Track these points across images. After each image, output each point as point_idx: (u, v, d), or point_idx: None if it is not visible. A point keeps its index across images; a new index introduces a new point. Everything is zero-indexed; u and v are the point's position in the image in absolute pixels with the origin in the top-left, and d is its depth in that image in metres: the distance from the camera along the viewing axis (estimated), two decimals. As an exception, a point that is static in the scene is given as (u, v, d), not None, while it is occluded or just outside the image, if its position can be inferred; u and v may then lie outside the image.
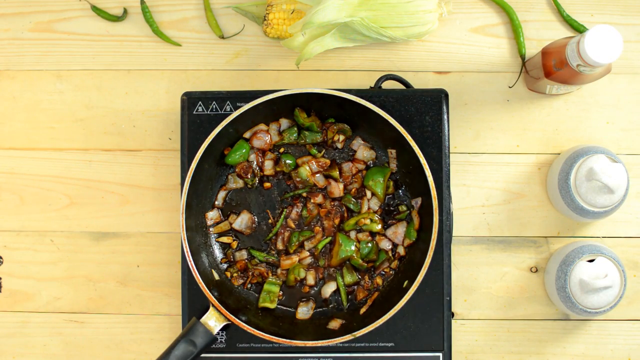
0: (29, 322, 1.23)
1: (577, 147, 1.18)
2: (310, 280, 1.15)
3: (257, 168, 1.16)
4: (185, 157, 1.13)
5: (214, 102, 1.14)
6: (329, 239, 1.15)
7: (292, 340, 1.08)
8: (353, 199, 1.16)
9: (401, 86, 1.18)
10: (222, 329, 1.13)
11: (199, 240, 1.14)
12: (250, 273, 1.16)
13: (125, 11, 1.25)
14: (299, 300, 1.16)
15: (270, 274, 1.15)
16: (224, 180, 1.17)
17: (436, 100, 1.14)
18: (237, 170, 1.16)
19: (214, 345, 1.14)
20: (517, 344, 1.22)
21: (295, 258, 1.15)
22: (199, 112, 1.14)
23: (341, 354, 1.14)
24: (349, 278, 1.15)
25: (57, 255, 1.24)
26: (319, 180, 1.15)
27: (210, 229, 1.16)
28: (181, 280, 1.14)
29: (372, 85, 1.18)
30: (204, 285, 1.09)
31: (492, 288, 1.22)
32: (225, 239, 1.16)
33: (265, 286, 1.15)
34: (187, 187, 1.09)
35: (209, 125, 1.12)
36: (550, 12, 1.24)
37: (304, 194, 1.16)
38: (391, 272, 1.16)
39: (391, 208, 1.16)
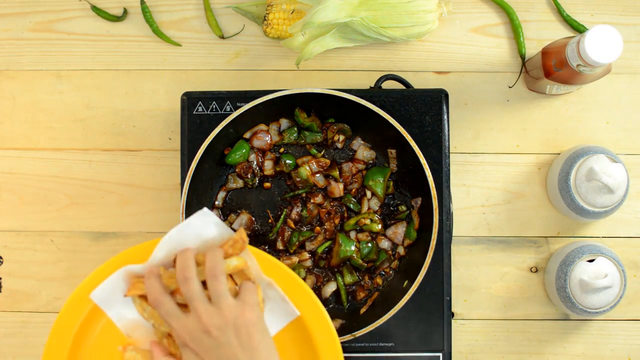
0: (29, 322, 1.23)
1: (577, 147, 1.18)
2: (309, 284, 1.15)
3: (257, 168, 1.16)
4: (185, 157, 1.13)
5: (214, 102, 1.14)
6: (329, 242, 1.15)
7: (292, 340, 1.08)
8: (353, 199, 1.16)
9: (401, 86, 1.18)
10: (222, 329, 1.13)
11: (199, 240, 1.14)
12: (250, 273, 1.16)
13: (125, 11, 1.25)
14: (299, 300, 1.16)
15: (270, 274, 1.16)
16: (224, 180, 1.17)
17: (436, 100, 1.14)
18: (237, 170, 1.16)
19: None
20: (517, 344, 1.22)
21: (295, 259, 1.15)
22: (199, 112, 1.14)
23: (341, 354, 1.14)
24: (349, 278, 1.15)
25: (57, 255, 1.24)
26: (319, 180, 1.15)
27: (210, 229, 1.16)
28: (181, 280, 1.14)
29: (372, 85, 1.18)
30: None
31: (492, 288, 1.22)
32: (225, 239, 1.16)
33: (265, 286, 1.15)
34: (187, 187, 1.09)
35: (209, 125, 1.12)
36: (550, 12, 1.25)
37: (304, 194, 1.16)
38: (391, 272, 1.16)
39: (391, 208, 1.16)
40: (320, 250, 1.15)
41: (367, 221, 1.14)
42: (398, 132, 1.10)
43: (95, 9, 1.25)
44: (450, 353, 1.12)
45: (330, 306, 1.16)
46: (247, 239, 0.93)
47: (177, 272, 0.90)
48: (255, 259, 0.94)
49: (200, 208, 1.14)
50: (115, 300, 0.93)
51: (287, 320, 0.95)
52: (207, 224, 0.93)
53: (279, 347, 0.94)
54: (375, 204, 1.16)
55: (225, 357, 0.87)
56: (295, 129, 1.16)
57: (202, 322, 0.87)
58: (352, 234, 1.15)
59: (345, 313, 1.15)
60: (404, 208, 1.15)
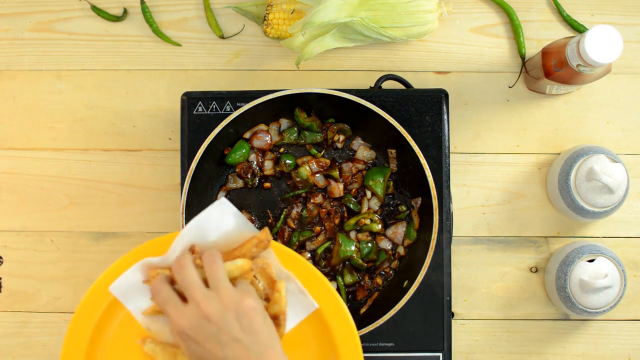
0: (29, 322, 1.23)
1: (577, 147, 1.18)
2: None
3: (257, 168, 1.16)
4: (185, 157, 1.13)
5: (214, 102, 1.14)
6: (329, 242, 1.15)
7: (292, 340, 1.08)
8: (353, 199, 1.16)
9: (401, 86, 1.18)
10: (222, 329, 1.13)
11: (199, 240, 1.14)
12: (250, 273, 1.15)
13: (125, 11, 1.25)
14: (299, 300, 1.16)
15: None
16: (224, 180, 1.17)
17: (436, 100, 1.14)
18: (237, 170, 1.16)
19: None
20: (517, 344, 1.22)
21: (295, 258, 1.15)
22: (199, 112, 1.14)
23: (341, 354, 1.14)
24: (349, 278, 1.15)
25: (57, 255, 1.24)
26: (319, 180, 1.15)
27: (210, 229, 1.16)
28: (181, 280, 1.14)
29: (372, 85, 1.18)
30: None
31: (492, 288, 1.22)
32: (225, 239, 1.16)
33: (265, 286, 1.15)
34: (187, 187, 1.09)
35: (209, 125, 1.12)
36: (550, 12, 1.25)
37: (304, 194, 1.16)
38: (391, 272, 1.16)
39: (391, 208, 1.16)
40: (320, 250, 1.15)
41: (367, 221, 1.14)
42: (398, 132, 1.10)
43: (95, 9, 1.25)
44: (450, 353, 1.12)
45: (330, 306, 1.16)
46: (271, 239, 0.92)
47: (173, 263, 0.89)
48: (274, 253, 0.94)
49: (201, 208, 1.14)
50: (134, 293, 0.93)
51: (306, 313, 0.95)
52: (225, 214, 0.93)
53: (298, 340, 0.94)
54: (375, 204, 1.16)
55: (227, 342, 0.85)
56: (295, 129, 1.16)
57: (201, 309, 0.86)
58: (352, 234, 1.15)
59: (345, 313, 1.15)
60: (404, 208, 1.15)
